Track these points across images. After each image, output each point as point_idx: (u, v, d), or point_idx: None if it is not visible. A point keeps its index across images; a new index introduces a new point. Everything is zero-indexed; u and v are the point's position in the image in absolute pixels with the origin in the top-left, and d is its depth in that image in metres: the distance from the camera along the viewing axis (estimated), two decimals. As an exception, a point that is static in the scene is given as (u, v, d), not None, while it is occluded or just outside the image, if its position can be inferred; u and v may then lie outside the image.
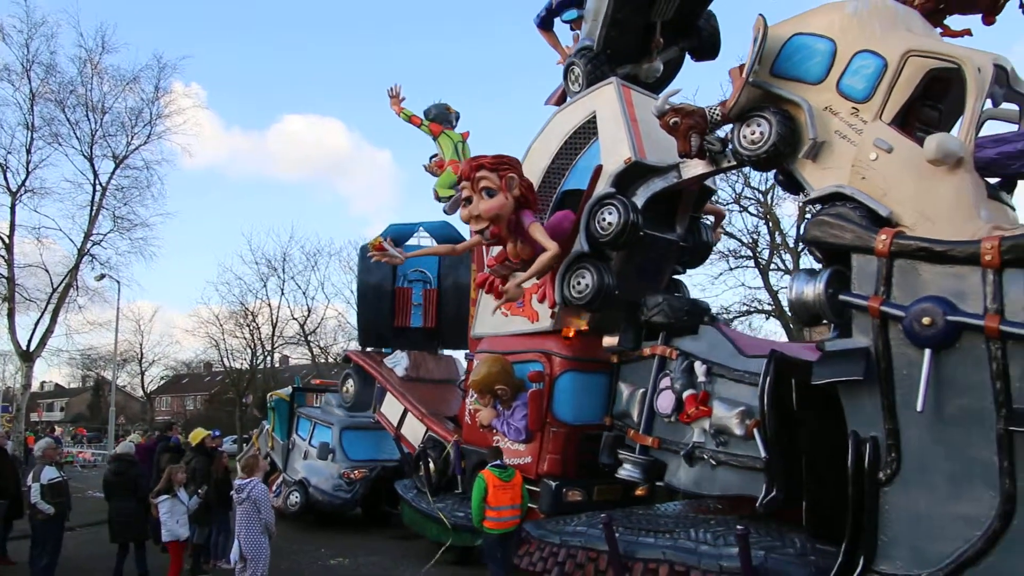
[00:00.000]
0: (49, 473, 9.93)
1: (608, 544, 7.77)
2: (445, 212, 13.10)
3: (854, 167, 7.05)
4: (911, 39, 6.98)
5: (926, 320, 5.77)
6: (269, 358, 44.37)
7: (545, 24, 11.69)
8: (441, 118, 13.93)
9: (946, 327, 5.69)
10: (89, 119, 25.57)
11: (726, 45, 11.14)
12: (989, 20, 8.42)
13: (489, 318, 10.89)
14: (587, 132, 9.84)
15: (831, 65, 7.37)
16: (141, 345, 51.74)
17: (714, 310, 22.97)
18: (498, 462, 8.62)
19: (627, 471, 8.66)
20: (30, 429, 32.10)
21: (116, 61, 75.07)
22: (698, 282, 29.53)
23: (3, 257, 24.46)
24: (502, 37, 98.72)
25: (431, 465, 11.47)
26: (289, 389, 17.43)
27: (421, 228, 15.00)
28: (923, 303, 5.85)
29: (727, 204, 23.58)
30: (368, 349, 15.11)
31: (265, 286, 40.52)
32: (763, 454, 7.22)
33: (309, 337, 41.64)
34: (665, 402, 8.34)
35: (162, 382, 60.10)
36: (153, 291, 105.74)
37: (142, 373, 53.41)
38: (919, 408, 5.73)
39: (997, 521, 5.49)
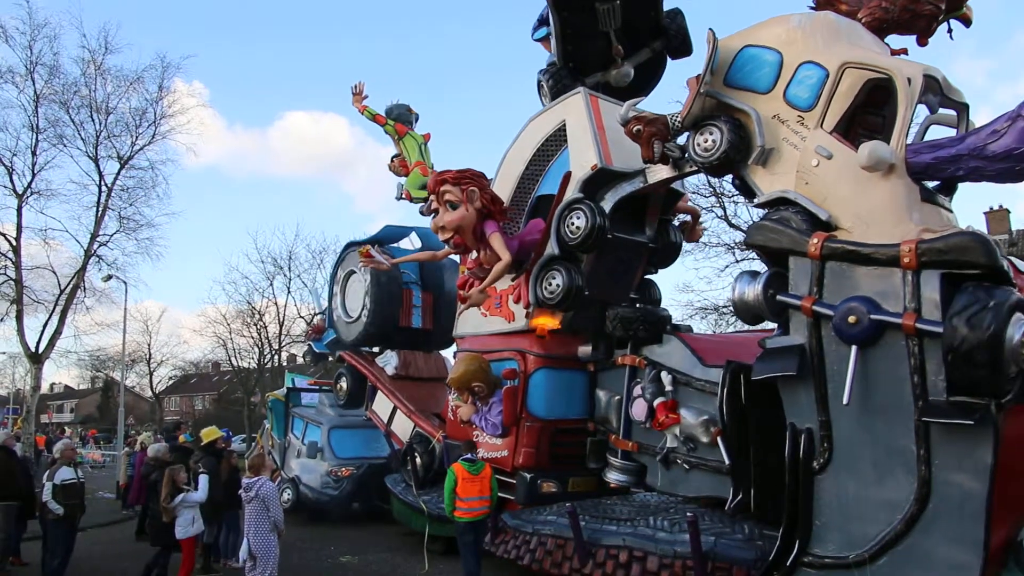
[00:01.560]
0: (64, 474, 10.06)
1: (573, 532, 8.25)
2: (422, 213, 13.48)
3: (798, 173, 7.44)
4: (849, 51, 7.38)
5: (852, 319, 6.18)
6: (276, 357, 44.80)
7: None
8: (403, 119, 14.29)
9: (870, 325, 6.10)
10: (93, 120, 25.54)
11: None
12: (923, 41, 8.84)
13: (469, 318, 11.34)
14: (558, 140, 10.27)
15: (778, 75, 7.75)
16: (149, 345, 52.36)
17: (720, 302, 23.41)
18: (468, 456, 9.07)
19: (615, 477, 9.19)
20: (40, 430, 32.43)
21: (119, 61, 75.45)
22: (705, 275, 29.80)
23: (11, 259, 24.45)
24: (503, 34, 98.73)
25: (417, 460, 11.95)
26: (284, 390, 17.94)
27: (414, 232, 15.53)
28: (850, 303, 6.26)
29: (732, 196, 23.76)
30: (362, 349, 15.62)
31: (271, 285, 40.92)
32: (727, 461, 7.64)
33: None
34: (639, 409, 8.79)
35: (170, 382, 60.64)
36: (160, 291, 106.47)
37: (150, 373, 53.98)
38: (845, 401, 6.15)
39: (915, 505, 5.91)
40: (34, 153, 24.66)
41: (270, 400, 18.43)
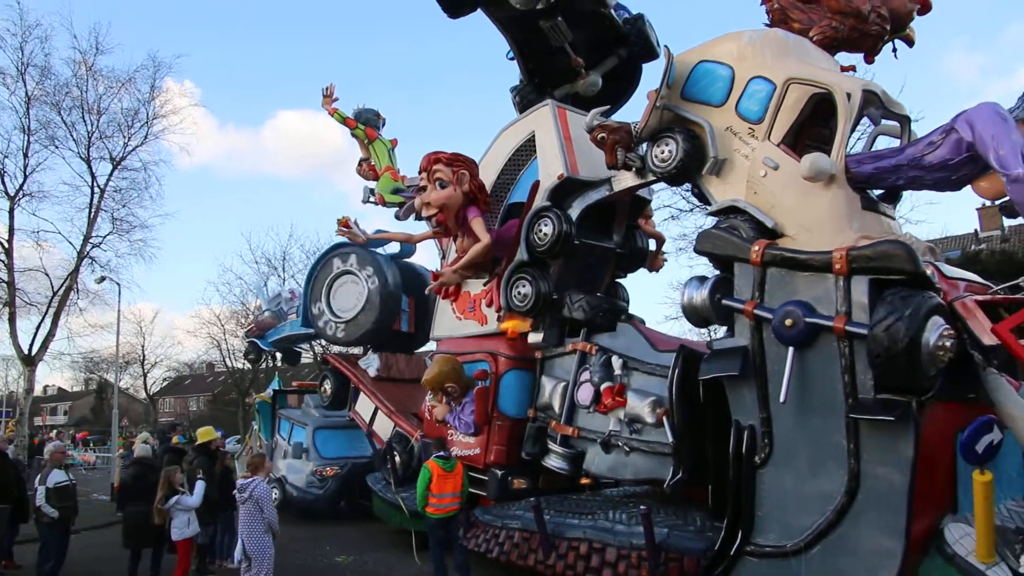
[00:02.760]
0: (56, 476, 10.10)
1: (537, 525, 8.64)
2: (397, 218, 13.82)
3: (748, 182, 7.83)
4: (794, 67, 7.76)
5: (789, 322, 6.58)
6: (271, 358, 45.06)
7: None
8: (372, 123, 14.47)
9: (805, 328, 6.49)
10: (85, 121, 25.51)
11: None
12: (870, 59, 9.27)
13: (445, 321, 11.73)
14: (528, 150, 10.65)
15: (731, 89, 8.14)
16: (143, 347, 52.21)
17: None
18: (442, 453, 9.45)
19: (552, 462, 9.46)
20: (34, 433, 32.53)
21: (110, 62, 75.52)
22: (708, 270, 30.02)
23: (3, 262, 24.45)
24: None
25: (397, 458, 12.33)
26: (271, 392, 18.35)
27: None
28: (787, 306, 6.65)
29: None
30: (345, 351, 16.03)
31: (266, 285, 41.06)
32: (671, 439, 7.96)
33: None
34: (585, 394, 9.08)
35: (164, 384, 60.91)
36: (153, 293, 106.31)
37: (144, 375, 54.03)
38: (781, 400, 6.54)
39: (845, 497, 6.31)
40: (26, 155, 24.67)
41: (257, 402, 18.88)
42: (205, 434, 11.64)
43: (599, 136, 8.99)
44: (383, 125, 14.80)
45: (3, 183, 24.50)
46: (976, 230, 35.80)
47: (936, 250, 7.69)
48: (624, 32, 11.24)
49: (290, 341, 20.18)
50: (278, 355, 20.00)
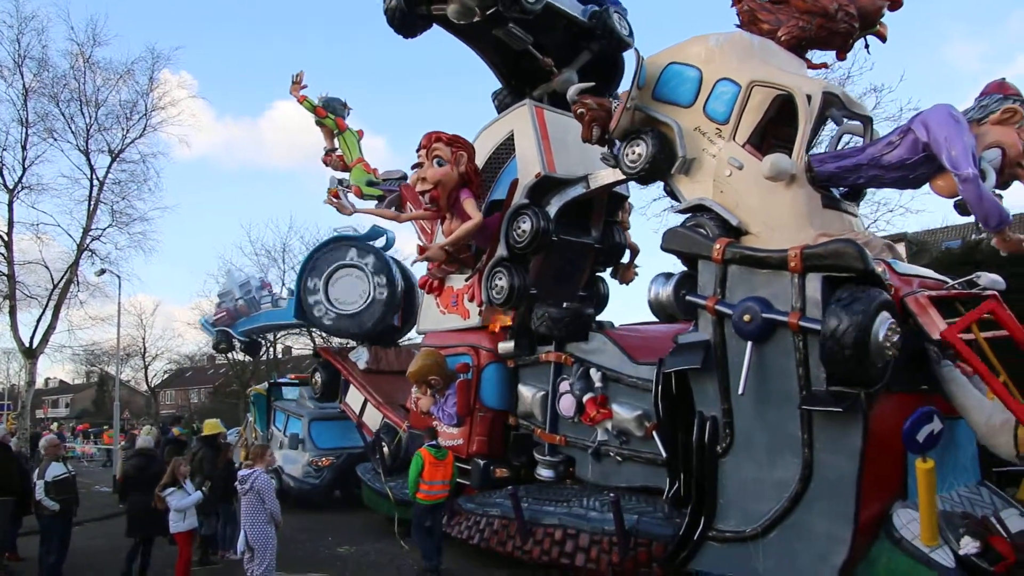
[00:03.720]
0: (55, 470, 10.15)
1: (515, 512, 8.96)
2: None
3: (715, 181, 8.11)
4: (758, 69, 8.02)
5: (747, 317, 6.85)
6: (272, 350, 45.20)
7: None
8: (340, 113, 14.57)
9: (762, 323, 6.77)
10: (83, 113, 25.39)
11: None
12: (841, 56, 9.47)
13: (430, 315, 12.03)
14: (508, 148, 10.91)
15: (699, 90, 8.40)
16: (144, 339, 52.30)
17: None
18: (434, 442, 9.77)
19: (544, 473, 9.76)
20: (35, 426, 32.74)
21: (108, 54, 75.42)
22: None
23: (3, 255, 24.45)
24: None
25: (385, 449, 12.66)
26: (266, 384, 18.69)
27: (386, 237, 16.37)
28: (746, 302, 6.92)
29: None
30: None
31: (266, 277, 41.26)
32: (663, 454, 8.21)
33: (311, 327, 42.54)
34: (566, 404, 9.34)
35: (166, 376, 61.05)
36: (154, 285, 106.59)
37: (145, 367, 54.12)
38: (740, 391, 6.84)
39: (799, 484, 6.61)
40: (24, 147, 24.66)
41: (252, 394, 19.20)
42: (211, 427, 11.81)
43: (578, 111, 9.23)
44: (348, 115, 14.87)
45: (2, 176, 24.52)
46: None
47: (895, 247, 7.93)
48: (589, 27, 11.39)
49: (262, 331, 20.34)
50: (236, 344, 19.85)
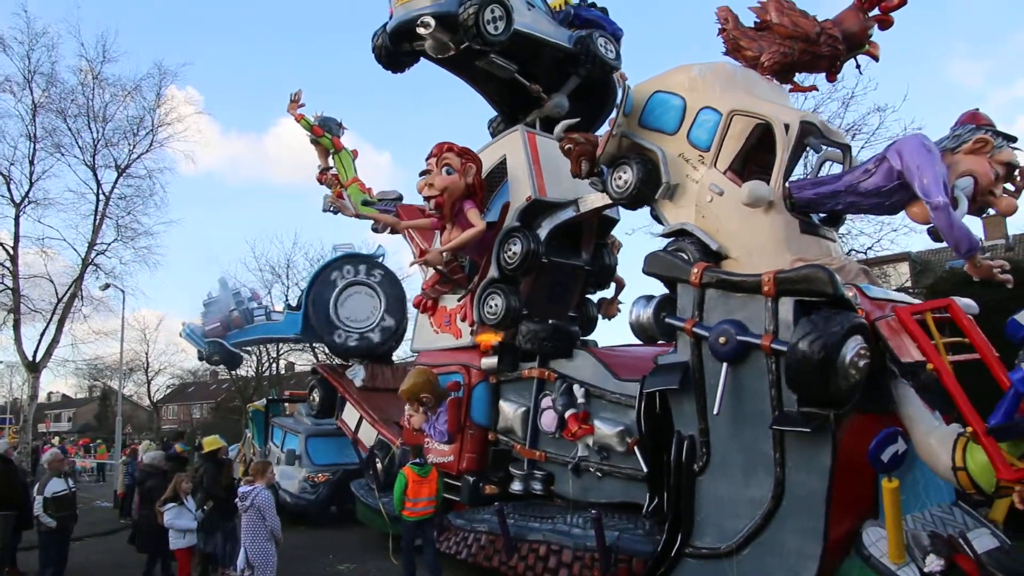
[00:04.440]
0: (55, 485, 10.25)
1: (501, 528, 9.16)
2: (374, 231, 14.33)
3: (697, 207, 8.35)
4: (738, 99, 8.28)
5: (723, 339, 7.08)
6: (275, 365, 45.33)
7: None
8: (336, 133, 14.78)
9: (737, 345, 6.99)
10: (91, 128, 25.54)
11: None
12: (831, 78, 9.57)
13: (423, 334, 12.28)
14: (501, 172, 11.17)
15: (683, 118, 8.66)
16: (147, 354, 52.66)
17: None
18: (417, 460, 9.97)
19: (521, 486, 9.90)
20: (37, 440, 32.80)
21: (116, 70, 76.39)
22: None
23: (8, 268, 24.50)
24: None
25: (378, 465, 12.86)
26: (264, 401, 18.94)
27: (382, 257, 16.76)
28: (722, 325, 7.15)
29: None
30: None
31: (270, 293, 41.24)
32: (644, 468, 8.39)
33: (314, 343, 42.71)
34: (548, 420, 9.51)
35: (168, 391, 61.33)
36: (158, 300, 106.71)
37: (148, 382, 54.48)
38: (715, 412, 7.06)
39: (772, 502, 6.81)
40: (31, 162, 24.82)
41: (251, 411, 19.43)
42: (212, 443, 11.80)
43: (565, 147, 9.51)
44: (343, 134, 15.08)
45: (9, 190, 24.67)
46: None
47: (870, 272, 8.17)
48: (573, 53, 11.62)
49: (254, 343, 20.49)
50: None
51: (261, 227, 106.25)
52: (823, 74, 9.61)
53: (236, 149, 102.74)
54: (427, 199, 10.87)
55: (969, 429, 6.02)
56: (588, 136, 9.46)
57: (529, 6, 11.19)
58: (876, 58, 9.37)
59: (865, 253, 23.43)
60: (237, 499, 8.64)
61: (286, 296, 40.89)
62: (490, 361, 10.58)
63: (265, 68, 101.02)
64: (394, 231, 13.52)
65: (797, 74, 9.60)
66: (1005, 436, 5.84)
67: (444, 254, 11.12)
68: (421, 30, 10.54)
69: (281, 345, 42.74)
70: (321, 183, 15.13)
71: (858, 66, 9.46)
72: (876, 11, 8.83)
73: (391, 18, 11.08)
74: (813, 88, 10.17)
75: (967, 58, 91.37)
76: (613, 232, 12.09)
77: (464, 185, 10.66)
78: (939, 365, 6.25)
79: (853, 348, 6.31)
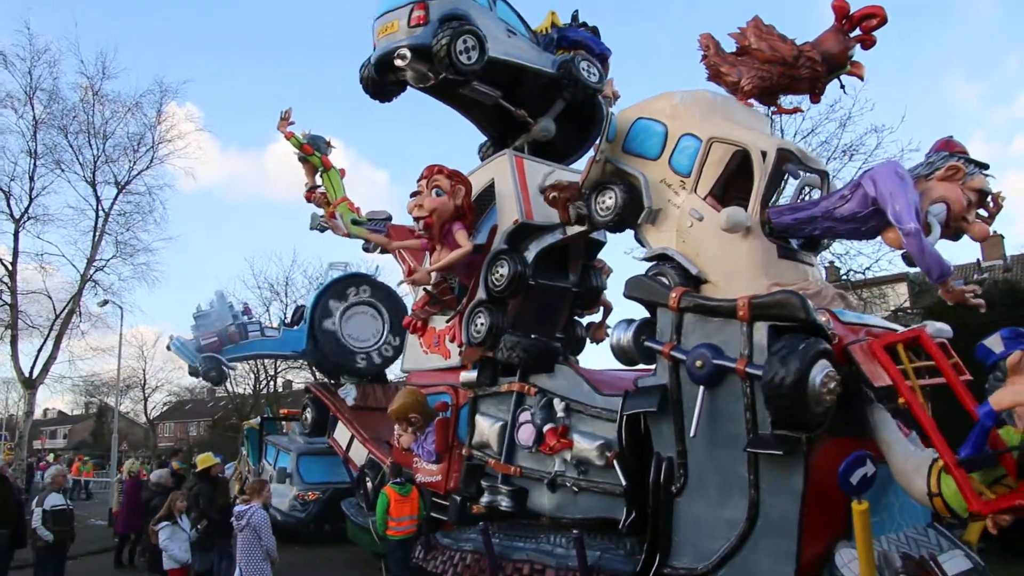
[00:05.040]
0: (54, 499, 10.36)
1: (486, 548, 9.27)
2: (366, 250, 14.55)
3: (678, 232, 8.53)
4: (717, 126, 8.47)
5: (699, 363, 7.21)
6: (272, 383, 45.37)
7: None
8: (324, 151, 14.85)
9: (713, 368, 7.13)
10: (91, 145, 26.01)
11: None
12: (815, 99, 9.70)
13: (413, 355, 12.42)
14: (489, 196, 11.36)
15: (664, 144, 8.85)
16: (144, 371, 52.74)
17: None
18: (398, 480, 10.10)
19: (491, 499, 9.88)
20: (32, 457, 32.81)
21: (116, 86, 76.70)
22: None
23: (6, 284, 24.86)
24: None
25: (368, 484, 12.98)
26: (258, 419, 19.08)
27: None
28: (699, 349, 7.29)
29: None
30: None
31: (268, 311, 41.44)
32: (623, 482, 8.44)
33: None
34: (526, 434, 9.54)
35: (165, 408, 61.29)
36: (156, 316, 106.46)
37: (145, 399, 54.55)
38: (691, 434, 7.20)
39: (746, 523, 6.93)
40: (32, 178, 25.24)
41: (246, 429, 19.60)
42: (205, 460, 11.85)
43: (551, 196, 9.75)
44: (330, 152, 15.14)
45: (9, 206, 25.04)
46: (978, 259, 36.12)
47: (847, 297, 8.31)
48: (556, 77, 11.81)
49: (247, 359, 20.60)
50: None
51: (260, 244, 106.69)
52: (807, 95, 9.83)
53: (235, 166, 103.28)
54: (416, 220, 11.02)
55: (930, 456, 6.16)
56: (570, 183, 9.68)
57: (510, 33, 11.42)
58: (861, 77, 9.41)
59: (863, 273, 23.65)
60: (233, 518, 8.68)
61: (283, 314, 41.12)
62: (469, 375, 10.63)
63: (265, 85, 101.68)
64: (385, 250, 13.70)
65: (782, 96, 9.84)
66: (975, 467, 5.97)
67: (432, 274, 11.25)
68: (398, 62, 10.77)
69: (279, 363, 43.04)
70: (309, 201, 15.18)
71: (842, 86, 9.52)
72: (858, 31, 8.89)
73: (375, 50, 11.31)
74: (798, 110, 10.35)
75: (964, 78, 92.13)
76: (602, 256, 12.30)
77: (453, 207, 10.80)
78: (909, 399, 6.34)
79: (821, 373, 6.43)
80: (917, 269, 8.20)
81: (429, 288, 11.62)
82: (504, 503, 9.74)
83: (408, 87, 11.83)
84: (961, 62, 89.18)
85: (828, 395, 6.44)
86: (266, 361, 41.57)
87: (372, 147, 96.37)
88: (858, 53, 9.14)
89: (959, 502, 6.05)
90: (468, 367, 10.91)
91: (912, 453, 6.59)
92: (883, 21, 8.61)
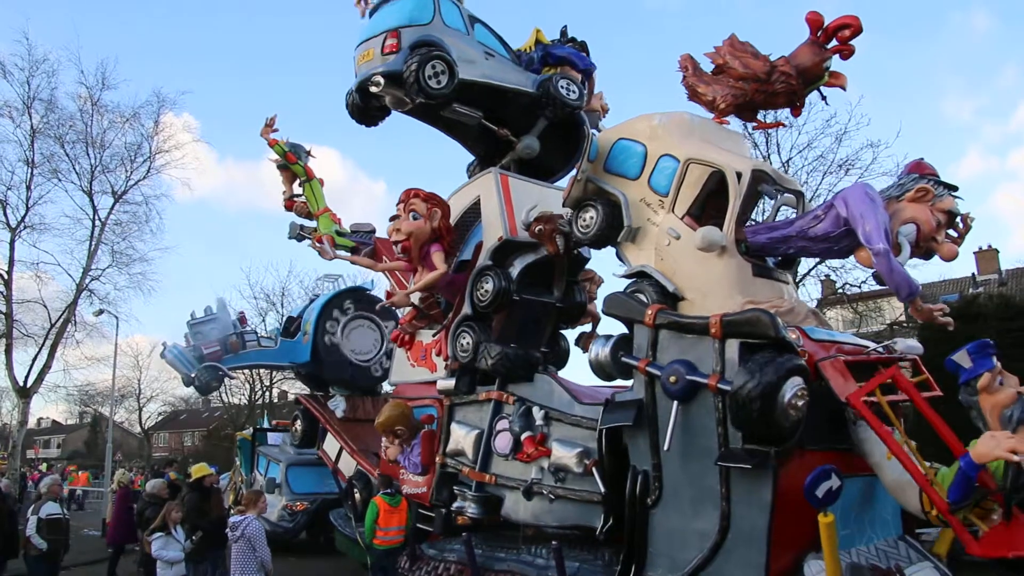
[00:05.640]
0: (49, 508, 10.42)
1: (468, 558, 9.45)
2: (351, 262, 14.74)
3: (656, 250, 8.74)
4: (694, 148, 8.70)
5: (673, 378, 7.42)
6: (268, 393, 45.45)
7: None
8: (305, 160, 14.85)
9: (686, 384, 7.34)
10: (89, 155, 26.12)
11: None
12: (796, 112, 9.85)
13: (400, 368, 12.62)
14: (475, 213, 11.59)
15: (644, 164, 9.08)
16: (139, 381, 52.95)
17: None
18: (388, 490, 10.28)
19: (462, 506, 10.04)
20: (24, 467, 32.80)
21: (115, 97, 76.80)
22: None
23: (1, 293, 24.92)
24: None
25: (357, 495, 13.15)
26: (251, 429, 19.23)
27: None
28: (673, 365, 7.50)
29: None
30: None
31: (264, 321, 41.49)
32: (601, 489, 8.61)
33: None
34: (503, 442, 9.72)
35: (160, 418, 61.33)
36: (151, 326, 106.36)
37: (140, 409, 54.70)
38: (665, 448, 7.40)
39: (718, 535, 7.12)
40: (28, 187, 25.37)
41: (239, 439, 19.72)
42: (199, 470, 11.95)
43: (536, 229, 9.96)
44: (308, 161, 15.08)
45: (5, 215, 25.18)
46: (973, 273, 36.38)
47: (820, 315, 8.55)
48: (536, 96, 12.04)
49: (244, 368, 20.72)
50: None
51: (256, 254, 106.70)
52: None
53: (232, 176, 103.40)
54: (394, 243, 11.36)
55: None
56: (552, 214, 9.97)
57: (488, 55, 11.71)
58: (843, 87, 9.34)
59: (859, 287, 23.90)
60: (227, 529, 8.74)
61: (280, 324, 41.09)
62: (446, 383, 10.77)
63: (261, 95, 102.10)
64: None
65: (764, 111, 9.98)
66: (962, 507, 6.14)
67: (410, 296, 11.57)
68: (373, 88, 11.12)
69: (275, 373, 43.11)
70: (288, 210, 15.15)
71: (823, 97, 9.52)
72: (834, 42, 8.84)
73: (355, 76, 11.65)
74: (779, 125, 10.53)
75: (960, 93, 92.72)
76: (597, 269, 12.52)
77: (430, 229, 11.09)
78: (897, 452, 6.50)
79: (792, 389, 6.64)
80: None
81: (416, 303, 11.83)
82: (471, 510, 9.88)
83: (391, 112, 12.13)
84: (958, 76, 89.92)
85: (796, 411, 6.65)
86: (262, 372, 41.75)
87: (369, 158, 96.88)
88: (839, 64, 9.09)
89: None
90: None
91: (904, 474, 6.77)
92: (857, 31, 8.61)
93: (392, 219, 11.34)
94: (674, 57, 9.79)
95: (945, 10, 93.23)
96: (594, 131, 11.46)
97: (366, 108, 12.07)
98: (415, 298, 11.64)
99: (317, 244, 14.21)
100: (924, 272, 30.12)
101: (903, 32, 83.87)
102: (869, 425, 6.79)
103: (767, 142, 23.85)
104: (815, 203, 12.20)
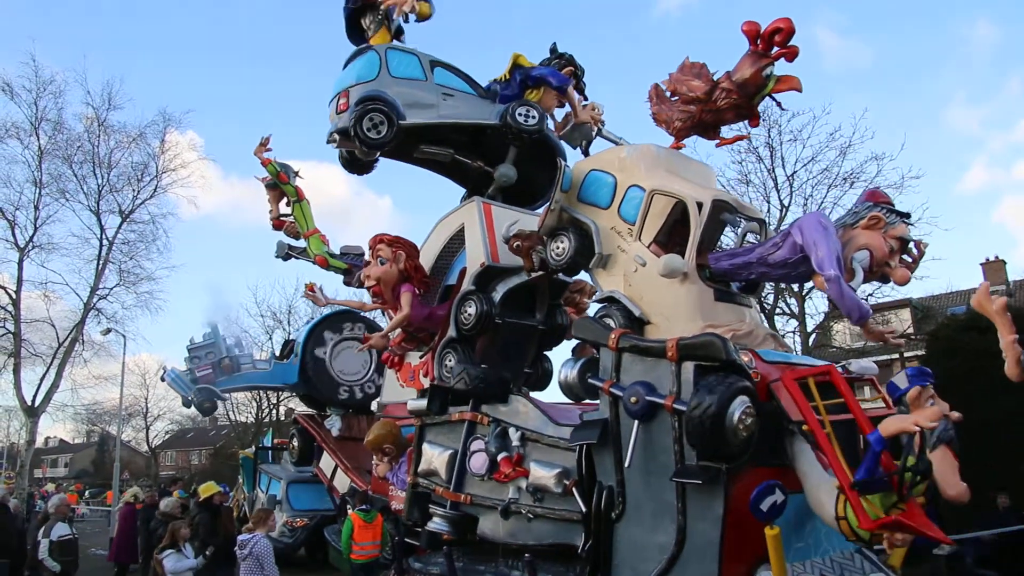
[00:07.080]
0: (60, 530, 10.59)
1: (449, 571, 9.87)
2: (346, 284, 15.25)
3: (624, 276, 9.24)
4: (659, 179, 9.18)
5: (633, 399, 7.87)
6: (275, 411, 45.79)
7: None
8: (293, 181, 15.23)
9: (646, 404, 7.78)
10: (96, 174, 26.59)
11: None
12: (754, 123, 10.17)
13: (390, 388, 13.11)
14: (459, 240, 12.11)
15: (614, 195, 9.58)
16: (146, 399, 53.19)
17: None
18: (363, 507, 10.73)
19: (436, 524, 10.26)
20: (33, 487, 33.06)
21: (121, 116, 77.35)
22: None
23: (10, 312, 25.28)
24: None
25: (350, 512, 13.58)
26: (254, 448, 19.75)
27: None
28: (634, 386, 7.94)
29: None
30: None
31: (271, 339, 41.84)
32: (582, 508, 8.81)
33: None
34: (478, 463, 9.94)
35: (167, 436, 61.68)
36: (158, 344, 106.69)
37: (147, 427, 55.01)
38: (627, 464, 7.84)
39: (675, 548, 7.52)
40: (37, 207, 25.81)
41: (241, 457, 20.26)
42: (207, 489, 12.25)
43: (515, 245, 10.44)
44: (296, 181, 15.44)
45: (13, 235, 25.60)
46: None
47: (779, 338, 8.99)
48: (499, 127, 12.54)
49: (239, 391, 21.21)
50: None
51: (262, 272, 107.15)
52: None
53: (237, 193, 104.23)
54: (368, 290, 12.05)
55: (836, 483, 6.76)
56: (531, 232, 10.40)
57: (446, 96, 12.37)
58: (798, 90, 9.34)
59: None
60: (236, 547, 8.95)
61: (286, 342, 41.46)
62: (418, 404, 10.99)
63: (266, 112, 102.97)
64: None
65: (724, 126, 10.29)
66: (868, 489, 6.58)
67: (385, 338, 12.31)
68: (331, 145, 11.99)
69: (281, 392, 43.55)
70: (276, 229, 15.51)
71: (778, 103, 9.78)
72: (776, 48, 8.91)
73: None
74: (740, 138, 11.01)
75: (965, 104, 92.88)
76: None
77: (397, 272, 11.70)
78: (813, 424, 6.97)
79: (740, 408, 7.06)
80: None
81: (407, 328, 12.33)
82: (444, 528, 10.13)
83: (377, 161, 13.08)
84: (962, 88, 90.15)
85: (746, 428, 7.07)
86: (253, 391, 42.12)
87: (375, 174, 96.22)
88: (787, 67, 9.15)
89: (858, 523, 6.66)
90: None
91: (824, 480, 7.19)
92: (790, 32, 8.70)
93: (364, 265, 11.97)
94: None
95: (950, 20, 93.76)
96: (586, 142, 12.57)
97: (353, 159, 12.93)
98: (393, 334, 12.24)
99: (309, 293, 14.71)
100: (930, 285, 30.27)
101: (908, 42, 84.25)
102: (811, 431, 7.13)
103: (772, 156, 23.97)
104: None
